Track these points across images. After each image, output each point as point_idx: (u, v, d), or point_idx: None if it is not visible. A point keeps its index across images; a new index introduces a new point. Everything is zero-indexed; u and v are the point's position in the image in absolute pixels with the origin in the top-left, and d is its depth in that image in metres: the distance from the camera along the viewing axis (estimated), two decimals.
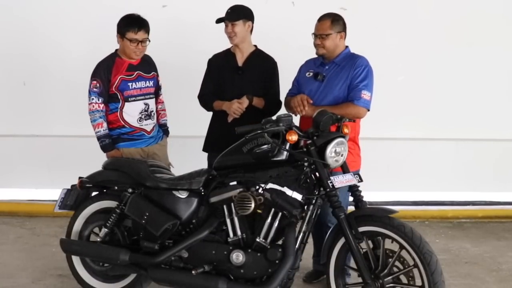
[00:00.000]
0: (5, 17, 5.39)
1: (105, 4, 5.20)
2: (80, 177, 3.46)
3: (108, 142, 3.76)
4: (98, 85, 3.72)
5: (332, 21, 3.50)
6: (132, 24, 3.70)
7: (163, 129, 4.06)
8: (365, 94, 3.41)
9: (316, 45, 3.55)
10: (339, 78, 3.49)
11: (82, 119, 5.39)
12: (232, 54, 3.89)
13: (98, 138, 3.77)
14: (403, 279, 2.93)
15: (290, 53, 4.63)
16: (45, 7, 5.34)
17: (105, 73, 3.73)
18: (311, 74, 3.60)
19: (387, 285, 2.88)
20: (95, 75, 3.75)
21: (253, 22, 3.82)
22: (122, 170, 3.37)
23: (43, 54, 5.41)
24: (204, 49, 4.67)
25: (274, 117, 3.02)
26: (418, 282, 2.82)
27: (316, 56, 3.65)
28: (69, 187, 3.52)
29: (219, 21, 3.79)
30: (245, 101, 3.69)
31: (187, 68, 4.55)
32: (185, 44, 5.16)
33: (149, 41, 3.77)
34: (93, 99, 3.73)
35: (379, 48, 4.75)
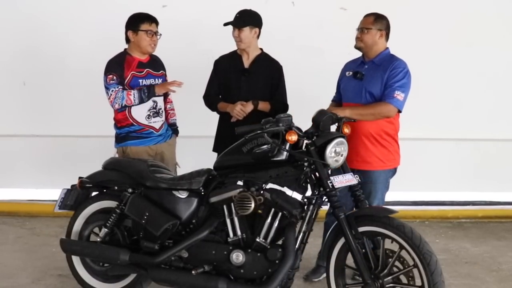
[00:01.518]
0: (5, 17, 5.40)
1: (105, 4, 5.20)
2: (80, 177, 3.46)
3: (149, 91, 3.73)
4: (114, 77, 3.73)
5: (376, 18, 3.59)
6: (145, 18, 3.80)
7: (172, 129, 4.09)
8: (398, 94, 3.44)
9: (356, 38, 3.63)
10: (376, 77, 3.53)
11: (82, 119, 5.43)
12: (238, 56, 3.92)
13: (141, 100, 3.72)
14: (403, 279, 2.93)
15: (290, 53, 4.64)
16: (45, 7, 5.34)
17: (118, 69, 3.76)
18: (351, 73, 3.67)
19: (387, 285, 2.88)
20: (109, 70, 3.76)
21: (260, 28, 3.85)
22: (122, 170, 3.37)
23: (43, 54, 5.41)
24: (204, 49, 4.67)
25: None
26: (418, 282, 2.82)
27: (353, 59, 3.75)
28: (69, 187, 3.52)
29: (226, 24, 3.80)
30: (249, 106, 3.74)
31: (187, 68, 4.55)
32: (185, 44, 5.16)
33: (161, 34, 3.84)
34: (113, 90, 3.72)
35: None
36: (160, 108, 3.92)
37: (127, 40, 3.84)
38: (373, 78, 3.54)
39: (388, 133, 3.58)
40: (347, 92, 3.65)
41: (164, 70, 4.01)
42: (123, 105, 3.73)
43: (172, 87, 3.80)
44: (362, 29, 3.58)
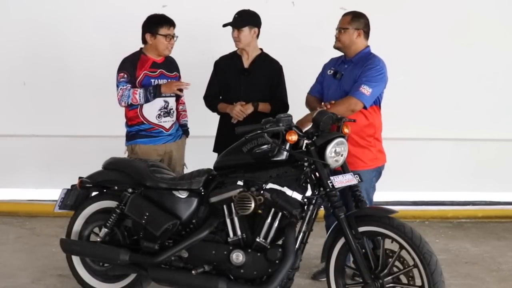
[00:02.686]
0: (6, 17, 5.40)
1: (106, 4, 5.20)
2: (80, 177, 3.46)
3: (155, 90, 3.76)
4: (125, 75, 3.78)
5: (353, 17, 3.56)
6: (165, 22, 3.83)
7: (183, 129, 4.12)
8: (364, 89, 3.40)
9: (335, 38, 3.61)
10: (351, 76, 3.52)
11: (82, 119, 5.43)
12: (238, 56, 3.93)
13: (146, 99, 3.76)
14: (403, 279, 2.93)
15: (290, 52, 4.64)
16: (45, 7, 5.34)
17: (131, 67, 3.80)
18: (332, 72, 3.66)
19: (387, 285, 2.88)
20: (122, 68, 3.81)
21: (259, 28, 3.85)
22: (122, 170, 3.37)
23: (43, 54, 5.41)
24: (204, 49, 4.68)
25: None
26: (418, 282, 2.82)
27: (337, 56, 3.72)
28: (69, 187, 3.52)
29: (225, 25, 3.80)
30: (249, 108, 3.76)
31: (186, 68, 4.56)
32: (185, 44, 5.13)
33: (177, 36, 3.86)
34: (121, 88, 3.77)
35: (379, 48, 4.75)
36: (171, 109, 3.94)
37: (144, 41, 3.86)
38: (349, 78, 3.52)
39: (368, 134, 3.54)
40: (327, 92, 3.62)
41: (178, 71, 4.04)
42: (129, 103, 3.77)
43: (179, 87, 3.82)
44: (340, 29, 3.56)
